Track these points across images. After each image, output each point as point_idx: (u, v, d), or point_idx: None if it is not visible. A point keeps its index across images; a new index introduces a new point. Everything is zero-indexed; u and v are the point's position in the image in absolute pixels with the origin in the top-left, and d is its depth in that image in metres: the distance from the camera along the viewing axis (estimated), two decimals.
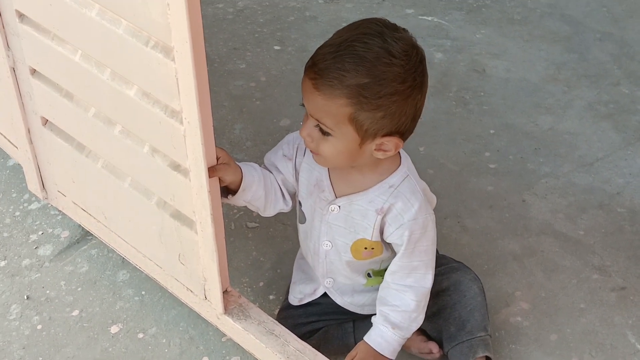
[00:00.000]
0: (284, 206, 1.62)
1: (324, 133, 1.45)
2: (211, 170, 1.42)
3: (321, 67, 1.40)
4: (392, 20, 1.46)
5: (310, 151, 1.51)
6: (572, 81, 2.49)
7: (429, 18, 2.73)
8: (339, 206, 1.57)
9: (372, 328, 1.60)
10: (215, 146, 1.45)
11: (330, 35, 1.46)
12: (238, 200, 1.55)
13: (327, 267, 1.66)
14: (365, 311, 1.70)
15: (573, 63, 2.56)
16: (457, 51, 2.60)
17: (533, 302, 1.85)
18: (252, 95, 2.40)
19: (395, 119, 1.43)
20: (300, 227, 1.66)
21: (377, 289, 1.64)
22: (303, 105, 1.47)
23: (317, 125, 1.45)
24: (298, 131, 1.61)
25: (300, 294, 1.74)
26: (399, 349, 1.61)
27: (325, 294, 1.71)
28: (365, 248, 1.60)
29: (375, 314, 1.63)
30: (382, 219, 1.55)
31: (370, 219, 1.55)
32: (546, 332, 1.79)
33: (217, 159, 1.46)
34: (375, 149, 1.47)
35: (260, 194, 1.57)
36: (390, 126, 1.44)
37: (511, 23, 2.73)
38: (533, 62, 2.56)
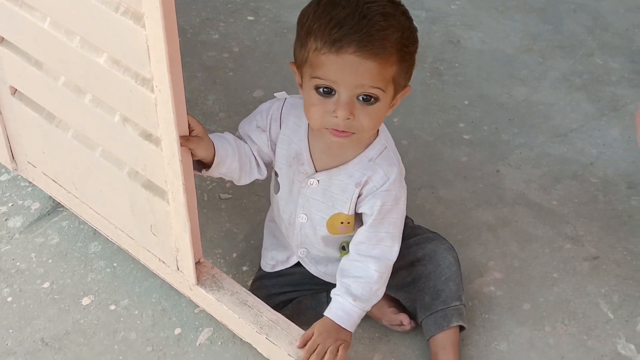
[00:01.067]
0: (259, 175, 1.61)
1: (369, 102, 1.42)
2: (183, 140, 1.40)
3: (358, 33, 1.37)
4: None
5: (337, 134, 1.44)
6: (546, 52, 2.49)
7: None
8: (318, 180, 1.56)
9: (332, 301, 1.59)
10: (192, 118, 1.44)
11: (305, 5, 1.44)
12: (212, 173, 1.54)
13: (301, 239, 1.65)
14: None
15: (547, 34, 2.56)
16: (432, 22, 2.59)
17: (506, 271, 1.85)
18: (225, 66, 2.38)
19: (413, 67, 1.48)
20: (275, 196, 1.65)
21: None
22: (324, 89, 1.41)
23: (361, 97, 1.41)
24: (271, 101, 1.60)
25: (272, 260, 1.73)
26: (359, 322, 1.59)
27: (298, 263, 1.71)
28: (342, 222, 1.59)
29: None
30: (360, 191, 1.54)
31: (349, 193, 1.55)
32: (519, 301, 1.79)
33: (191, 131, 1.44)
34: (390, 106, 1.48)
35: (234, 166, 1.55)
36: (410, 76, 1.48)
37: None
38: (507, 33, 2.56)
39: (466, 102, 2.29)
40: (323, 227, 1.60)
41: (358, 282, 1.57)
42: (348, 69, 1.39)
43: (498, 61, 2.45)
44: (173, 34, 1.27)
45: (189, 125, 1.43)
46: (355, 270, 1.57)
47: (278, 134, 1.57)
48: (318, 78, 1.41)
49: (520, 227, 1.95)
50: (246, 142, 1.58)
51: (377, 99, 1.42)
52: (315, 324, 1.58)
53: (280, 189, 1.62)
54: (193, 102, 2.23)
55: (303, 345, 1.56)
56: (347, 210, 1.56)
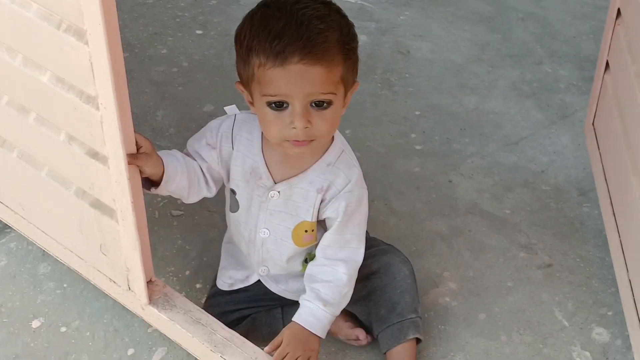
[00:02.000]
0: (208, 193, 1.59)
1: (323, 107, 1.41)
2: (131, 158, 1.38)
3: (298, 40, 1.36)
4: None
5: (297, 145, 1.44)
6: (495, 61, 2.50)
7: (353, 0, 2.71)
8: (279, 192, 1.54)
9: (300, 307, 1.58)
10: (139, 135, 1.41)
11: None
12: (161, 191, 1.52)
13: (262, 256, 1.63)
14: (297, 297, 1.68)
15: (496, 43, 2.57)
16: (382, 33, 2.59)
17: (461, 282, 1.85)
18: (174, 81, 2.36)
19: (357, 64, 1.48)
20: (232, 215, 1.63)
21: None
22: (276, 103, 1.41)
23: (314, 103, 1.41)
24: (221, 118, 1.58)
25: (230, 279, 1.71)
26: (329, 327, 1.59)
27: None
28: (306, 231, 1.58)
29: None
30: (322, 197, 1.54)
31: (311, 199, 1.54)
32: (475, 311, 1.79)
33: (139, 148, 1.41)
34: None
35: (183, 184, 1.53)
36: (356, 72, 1.48)
37: (434, 4, 2.73)
38: (457, 43, 2.57)
39: (417, 113, 2.30)
40: (289, 238, 1.58)
41: (328, 286, 1.56)
42: (296, 79, 1.38)
43: (448, 71, 2.46)
44: (117, 51, 1.25)
45: (136, 142, 1.41)
46: (323, 274, 1.57)
47: (230, 152, 1.56)
48: (268, 95, 1.40)
49: (474, 237, 1.95)
50: (195, 160, 1.56)
51: (330, 103, 1.42)
52: (284, 329, 1.56)
53: (240, 207, 1.60)
54: (142, 117, 2.20)
55: (273, 350, 1.54)
56: (311, 217, 1.56)
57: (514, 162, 2.15)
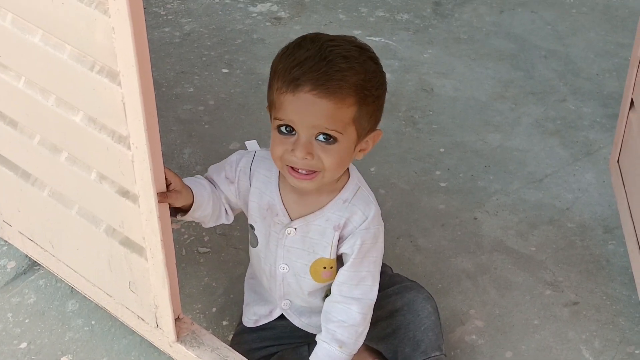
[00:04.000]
0: (226, 220, 1.61)
1: (329, 142, 1.42)
2: (161, 196, 1.40)
3: (316, 73, 1.39)
4: None
5: (297, 176, 1.45)
6: (519, 98, 2.51)
7: (377, 39, 2.74)
8: (295, 228, 1.55)
9: (317, 346, 1.58)
10: (169, 171, 1.43)
11: None
12: (186, 218, 1.54)
13: (284, 290, 1.64)
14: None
15: (519, 80, 2.58)
16: (405, 71, 2.61)
17: (487, 319, 1.85)
18: (200, 119, 2.38)
19: (380, 112, 1.49)
20: (253, 250, 1.64)
21: None
22: (285, 127, 1.43)
23: (320, 136, 1.42)
24: (240, 152, 1.60)
25: (254, 316, 1.71)
26: None
27: (280, 316, 1.69)
28: (324, 267, 1.58)
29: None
30: (340, 234, 1.54)
31: (328, 237, 1.54)
32: (501, 349, 1.79)
33: (168, 185, 1.43)
34: (359, 150, 1.49)
35: (208, 212, 1.56)
36: (377, 121, 1.49)
37: (458, 42, 2.75)
38: (480, 81, 2.58)
39: (442, 150, 2.31)
40: (307, 274, 1.59)
41: (343, 327, 1.56)
42: (303, 108, 1.40)
43: (472, 108, 2.47)
44: (149, 91, 1.27)
45: (166, 179, 1.43)
46: (338, 313, 1.57)
47: (248, 187, 1.57)
48: (278, 119, 1.43)
49: (500, 274, 1.95)
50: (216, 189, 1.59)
51: (335, 140, 1.43)
52: None
53: (259, 242, 1.61)
54: (169, 155, 2.23)
55: None
56: (329, 254, 1.56)
57: (538, 200, 2.15)
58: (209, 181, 1.59)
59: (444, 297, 1.88)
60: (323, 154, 1.43)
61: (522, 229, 2.07)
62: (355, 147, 1.47)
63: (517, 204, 2.14)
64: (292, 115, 1.42)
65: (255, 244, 1.62)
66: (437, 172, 2.23)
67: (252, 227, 1.61)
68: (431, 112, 2.45)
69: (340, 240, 1.55)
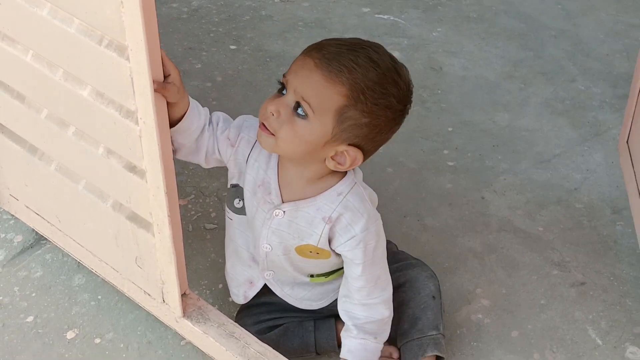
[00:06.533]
0: (202, 163, 1.57)
1: (299, 115, 1.42)
2: (158, 85, 1.31)
3: (333, 52, 1.40)
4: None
5: (262, 129, 1.44)
6: (528, 78, 2.50)
7: (385, 17, 2.72)
8: (284, 211, 1.54)
9: (348, 343, 1.59)
10: (169, 60, 1.36)
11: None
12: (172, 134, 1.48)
13: (267, 264, 1.64)
14: (303, 305, 1.69)
15: (529, 60, 2.57)
16: (414, 49, 2.59)
17: (494, 299, 1.84)
18: (208, 96, 2.38)
19: (372, 133, 1.44)
20: (239, 217, 1.62)
21: (321, 285, 1.65)
22: (281, 82, 1.44)
23: (295, 104, 1.42)
24: (251, 119, 1.57)
25: (238, 288, 1.71)
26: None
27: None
28: (311, 252, 1.58)
29: (331, 314, 1.65)
30: (331, 228, 1.53)
31: (317, 227, 1.53)
32: (507, 328, 1.79)
33: (167, 76, 1.35)
34: (331, 156, 1.46)
35: (191, 142, 1.51)
36: (363, 138, 1.44)
37: (467, 21, 2.74)
38: (489, 60, 2.57)
39: (450, 129, 2.30)
40: (292, 251, 1.59)
41: (371, 322, 1.58)
42: (300, 71, 1.42)
43: (481, 87, 2.46)
44: (157, 66, 1.27)
45: (163, 68, 1.34)
46: (363, 313, 1.58)
47: (245, 157, 1.56)
48: (283, 75, 1.45)
49: (507, 254, 1.94)
50: (215, 132, 1.55)
51: (306, 116, 1.41)
52: None
53: (247, 214, 1.60)
54: None
55: None
56: (316, 242, 1.55)
57: (546, 180, 2.15)
58: (210, 119, 1.54)
59: (451, 275, 1.88)
60: (287, 123, 1.42)
61: (530, 209, 2.06)
62: (325, 143, 1.43)
63: (525, 183, 2.13)
64: (289, 74, 1.43)
65: (243, 212, 1.60)
66: (445, 151, 2.22)
67: (243, 198, 1.59)
68: (440, 91, 2.43)
69: (332, 236, 1.54)
